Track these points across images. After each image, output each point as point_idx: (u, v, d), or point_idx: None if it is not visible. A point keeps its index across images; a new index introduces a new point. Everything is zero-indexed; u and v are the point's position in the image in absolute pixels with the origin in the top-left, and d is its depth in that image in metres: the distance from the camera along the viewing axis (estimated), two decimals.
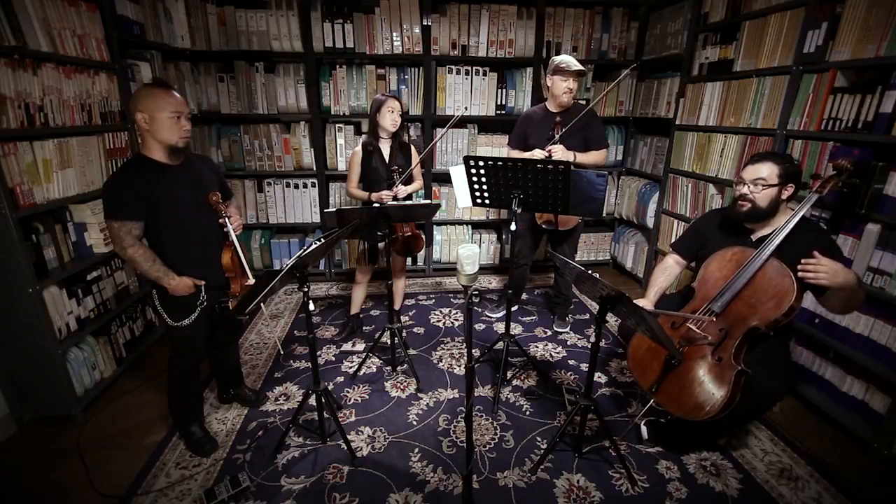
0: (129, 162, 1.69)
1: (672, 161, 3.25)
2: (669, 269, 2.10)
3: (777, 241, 1.68)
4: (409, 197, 2.59)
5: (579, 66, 2.46)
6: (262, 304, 1.67)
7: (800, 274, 1.61)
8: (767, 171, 1.73)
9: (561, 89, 2.51)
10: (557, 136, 2.46)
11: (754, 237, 1.85)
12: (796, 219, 1.68)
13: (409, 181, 2.55)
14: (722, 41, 2.80)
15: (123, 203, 1.58)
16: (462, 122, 3.54)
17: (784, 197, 1.76)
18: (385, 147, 2.56)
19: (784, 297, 1.63)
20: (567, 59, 2.47)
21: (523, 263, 2.91)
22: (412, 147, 2.64)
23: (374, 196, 2.48)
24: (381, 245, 2.64)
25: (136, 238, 1.62)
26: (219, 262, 1.86)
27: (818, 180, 1.79)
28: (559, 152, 2.45)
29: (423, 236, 2.63)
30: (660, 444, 1.97)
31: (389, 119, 2.45)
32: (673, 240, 3.22)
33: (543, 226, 2.59)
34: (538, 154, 2.48)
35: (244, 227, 2.23)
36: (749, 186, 1.76)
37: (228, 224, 1.81)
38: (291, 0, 3.10)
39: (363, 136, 2.72)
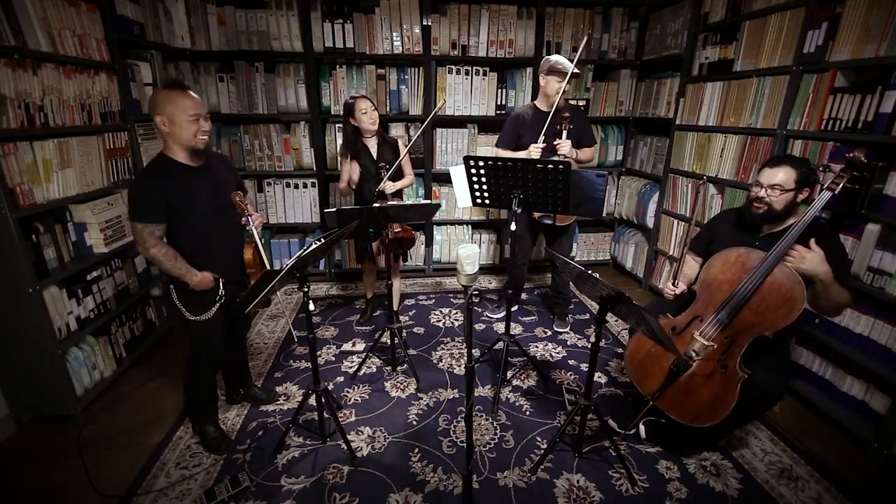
0: (153, 163, 1.71)
1: (672, 161, 3.25)
2: (690, 265, 2.09)
3: (788, 244, 1.62)
4: (398, 193, 2.62)
5: (575, 69, 2.42)
6: (273, 298, 1.68)
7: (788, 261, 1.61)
8: (784, 176, 1.70)
9: (554, 89, 2.49)
10: (566, 132, 2.45)
11: (762, 234, 1.82)
12: (808, 219, 1.61)
13: (398, 177, 2.58)
14: (722, 41, 2.80)
15: (148, 206, 1.63)
16: (462, 121, 3.56)
17: (799, 200, 1.74)
18: (372, 144, 2.62)
19: (795, 305, 1.58)
20: (563, 60, 2.44)
21: (521, 263, 2.91)
22: (399, 142, 2.69)
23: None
24: (375, 244, 2.67)
25: (157, 238, 1.67)
26: (235, 258, 1.90)
27: (828, 173, 1.75)
28: (566, 147, 2.44)
29: (413, 233, 2.61)
30: (659, 444, 1.96)
31: (366, 120, 2.51)
32: (674, 240, 3.23)
33: (544, 220, 2.58)
34: (533, 151, 2.47)
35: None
36: (766, 190, 1.73)
37: (251, 222, 1.84)
38: (291, 0, 3.10)
39: (341, 145, 2.73)
